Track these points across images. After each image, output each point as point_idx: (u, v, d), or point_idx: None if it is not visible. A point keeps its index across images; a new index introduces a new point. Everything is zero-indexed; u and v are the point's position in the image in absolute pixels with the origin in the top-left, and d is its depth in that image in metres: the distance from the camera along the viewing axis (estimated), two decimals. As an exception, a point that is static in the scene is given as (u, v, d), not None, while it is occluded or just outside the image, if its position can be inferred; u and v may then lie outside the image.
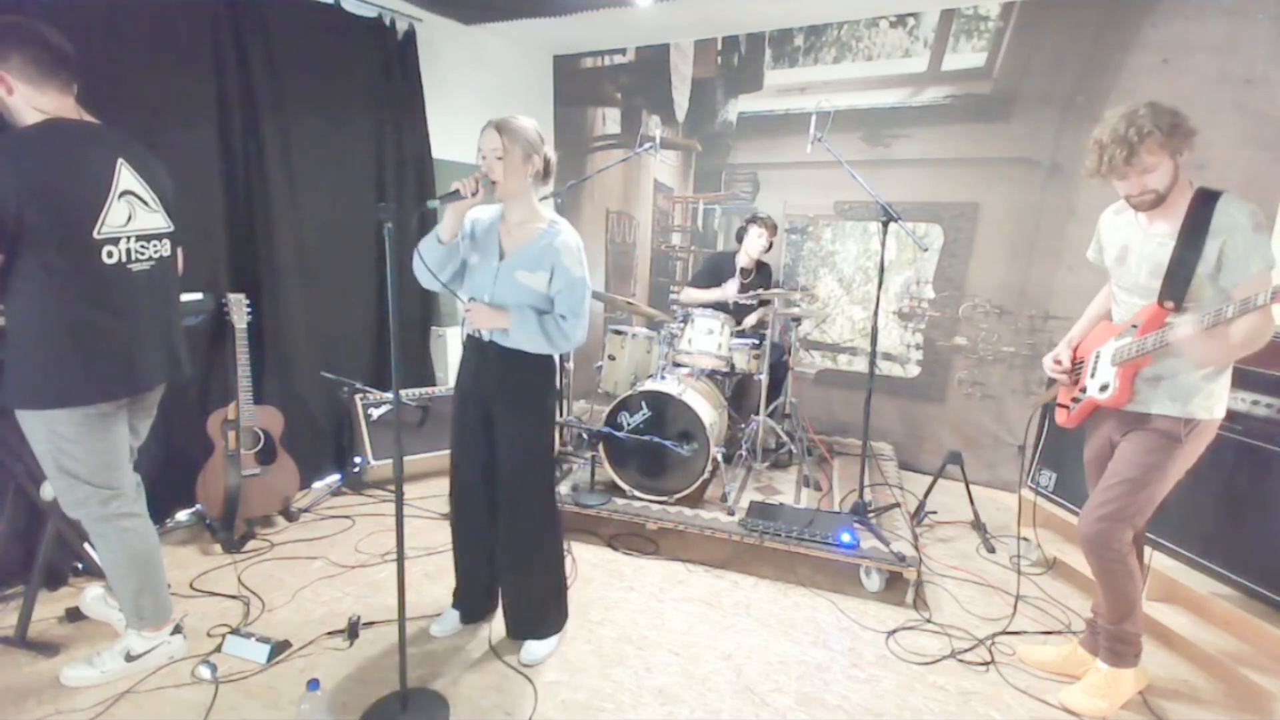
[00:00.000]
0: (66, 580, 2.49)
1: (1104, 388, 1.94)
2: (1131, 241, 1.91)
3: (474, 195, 1.84)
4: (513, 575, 2.21)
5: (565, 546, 2.89)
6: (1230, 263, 1.70)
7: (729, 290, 3.73)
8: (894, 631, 2.40)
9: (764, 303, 3.70)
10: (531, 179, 1.97)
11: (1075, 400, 2.08)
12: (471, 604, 2.33)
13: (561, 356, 3.80)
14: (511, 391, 2.05)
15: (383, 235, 1.68)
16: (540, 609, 2.22)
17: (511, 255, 1.99)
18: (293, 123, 3.19)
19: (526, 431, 2.08)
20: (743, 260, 3.88)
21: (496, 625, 2.34)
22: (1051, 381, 2.22)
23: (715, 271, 3.92)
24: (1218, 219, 1.71)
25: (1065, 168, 3.55)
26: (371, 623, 2.33)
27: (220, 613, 2.38)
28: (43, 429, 1.81)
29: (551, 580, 2.24)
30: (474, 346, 2.06)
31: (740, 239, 3.87)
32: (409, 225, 3.77)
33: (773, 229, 3.81)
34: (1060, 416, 2.15)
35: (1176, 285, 1.77)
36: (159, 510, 2.49)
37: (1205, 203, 1.74)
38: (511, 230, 2.01)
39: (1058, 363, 2.13)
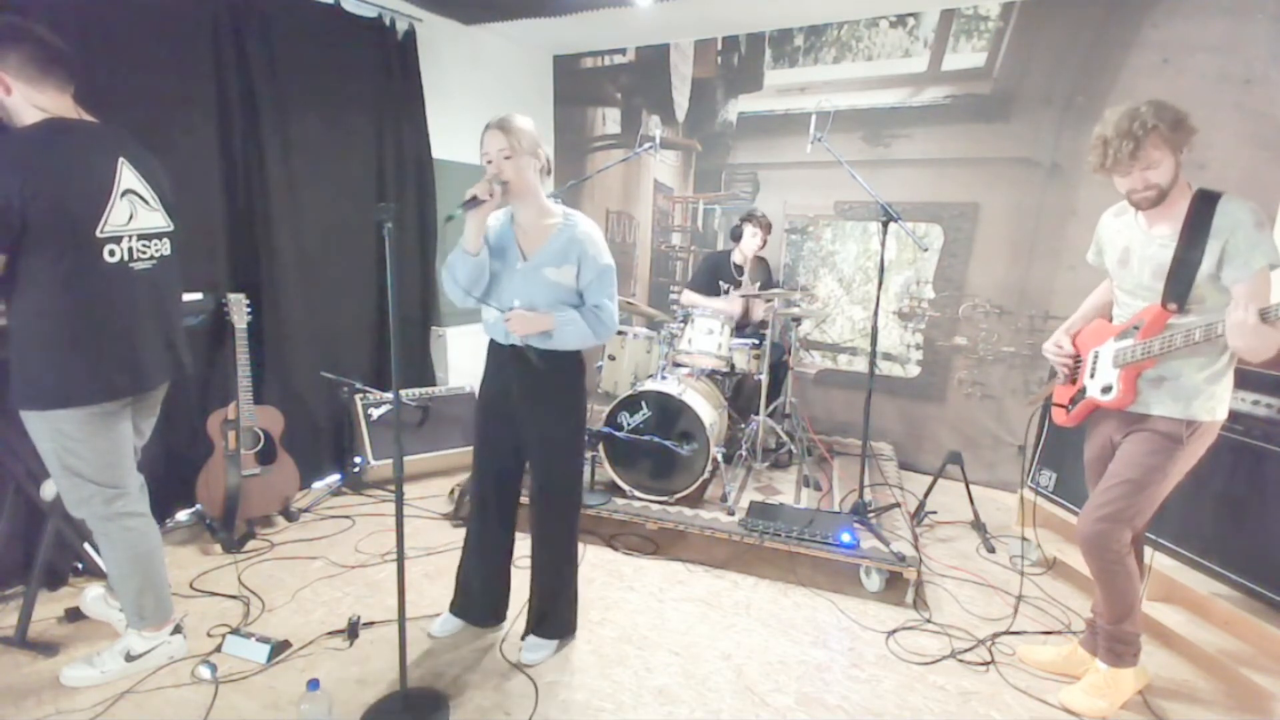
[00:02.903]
0: (66, 580, 2.48)
1: (1106, 389, 1.94)
2: (1132, 243, 1.91)
3: (491, 198, 1.84)
4: (543, 575, 2.21)
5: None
6: (1231, 259, 1.70)
7: (731, 305, 3.68)
8: (894, 631, 2.40)
9: (765, 300, 3.69)
10: (538, 176, 1.97)
11: (1074, 400, 2.08)
12: (483, 609, 2.32)
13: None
14: (547, 394, 2.04)
15: (383, 235, 1.67)
16: (564, 607, 2.25)
17: (535, 255, 1.98)
18: (293, 123, 3.19)
19: (563, 432, 2.08)
20: (738, 259, 3.89)
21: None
22: (1052, 375, 2.21)
23: (713, 271, 3.92)
24: (1219, 220, 1.71)
25: (1065, 168, 3.55)
26: (371, 623, 2.33)
27: (220, 613, 2.38)
28: (47, 428, 1.81)
29: (570, 580, 2.25)
30: (504, 353, 2.03)
31: (736, 238, 3.88)
32: (408, 226, 3.78)
33: (767, 227, 3.82)
34: (1058, 416, 2.15)
35: (1180, 287, 1.77)
36: (159, 510, 2.49)
37: (1206, 204, 1.74)
38: (527, 230, 2.00)
39: (1059, 347, 2.12)
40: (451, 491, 3.24)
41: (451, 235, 2.00)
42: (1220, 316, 1.65)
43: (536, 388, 2.03)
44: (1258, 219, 1.69)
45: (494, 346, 2.08)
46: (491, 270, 1.99)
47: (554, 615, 2.24)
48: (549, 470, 2.11)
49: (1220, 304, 1.74)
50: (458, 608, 2.32)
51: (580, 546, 2.90)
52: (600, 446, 3.11)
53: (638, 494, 3.08)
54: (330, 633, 2.28)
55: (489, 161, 1.90)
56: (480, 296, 1.98)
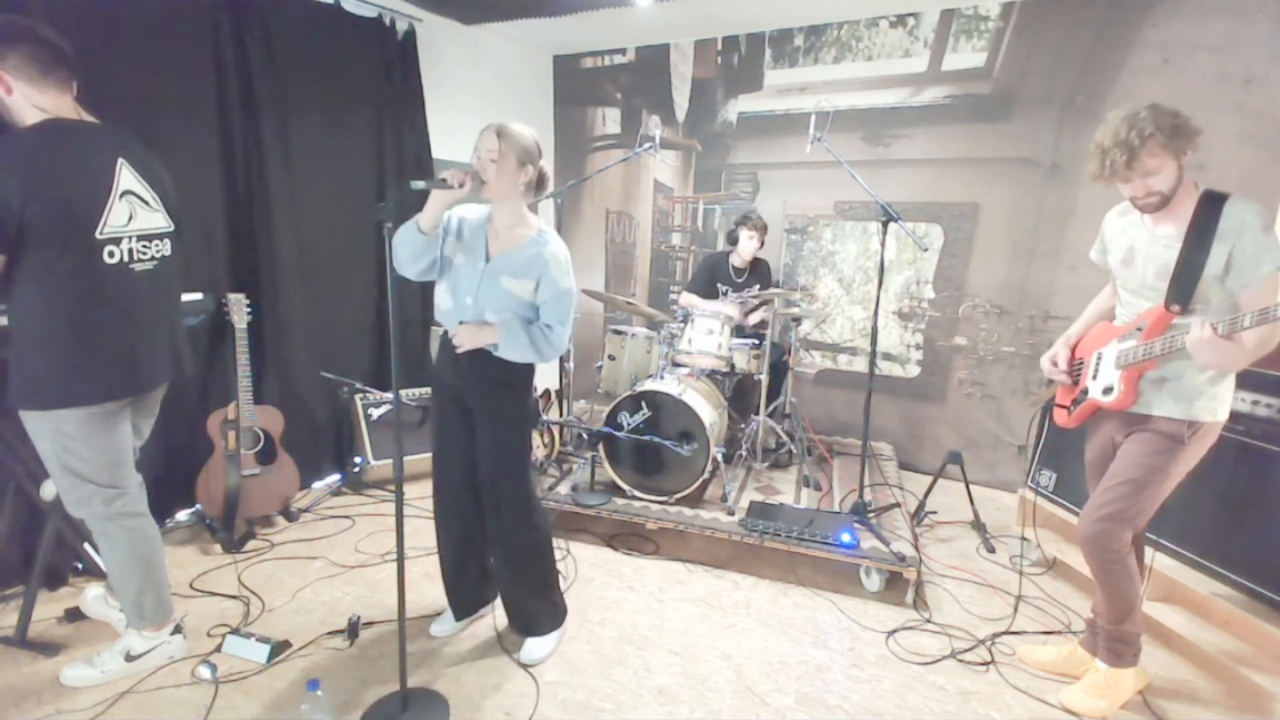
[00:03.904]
0: (66, 580, 2.48)
1: (1107, 390, 1.94)
2: (1137, 243, 1.90)
3: (460, 188, 1.83)
4: (504, 573, 2.21)
5: (564, 547, 2.90)
6: (1239, 264, 1.69)
7: (730, 310, 3.68)
8: (894, 631, 2.40)
9: (764, 302, 3.70)
10: (523, 187, 1.97)
11: (1076, 401, 2.08)
12: (465, 598, 2.32)
13: (562, 357, 3.80)
14: (490, 392, 2.05)
15: (382, 235, 1.67)
16: (532, 606, 2.22)
17: (497, 259, 1.98)
18: (293, 123, 3.19)
19: (503, 431, 2.08)
20: (736, 261, 3.89)
21: (496, 621, 2.34)
22: (1050, 380, 2.22)
23: (711, 272, 3.93)
24: (1225, 222, 1.70)
25: (1065, 168, 3.55)
26: (371, 623, 2.33)
27: (220, 613, 2.38)
28: (47, 428, 1.81)
29: (540, 577, 2.23)
30: (452, 347, 2.04)
31: (732, 242, 3.88)
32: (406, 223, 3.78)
33: (762, 229, 3.82)
34: (1060, 417, 2.15)
35: (1183, 288, 1.76)
36: (159, 510, 2.50)
37: (1212, 205, 1.73)
38: (499, 234, 2.01)
39: (1055, 364, 2.13)
40: (451, 491, 3.24)
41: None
42: (1221, 316, 1.65)
43: (481, 383, 2.03)
44: (1265, 222, 1.68)
45: (444, 337, 2.07)
46: (455, 263, 2.01)
47: (531, 612, 2.22)
48: (498, 466, 2.09)
49: (1225, 305, 1.74)
50: (449, 601, 2.32)
51: (578, 546, 2.93)
52: (600, 446, 3.11)
53: (638, 494, 3.08)
54: (330, 633, 2.28)
55: (477, 158, 1.91)
56: (422, 271, 1.99)
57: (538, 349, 1.97)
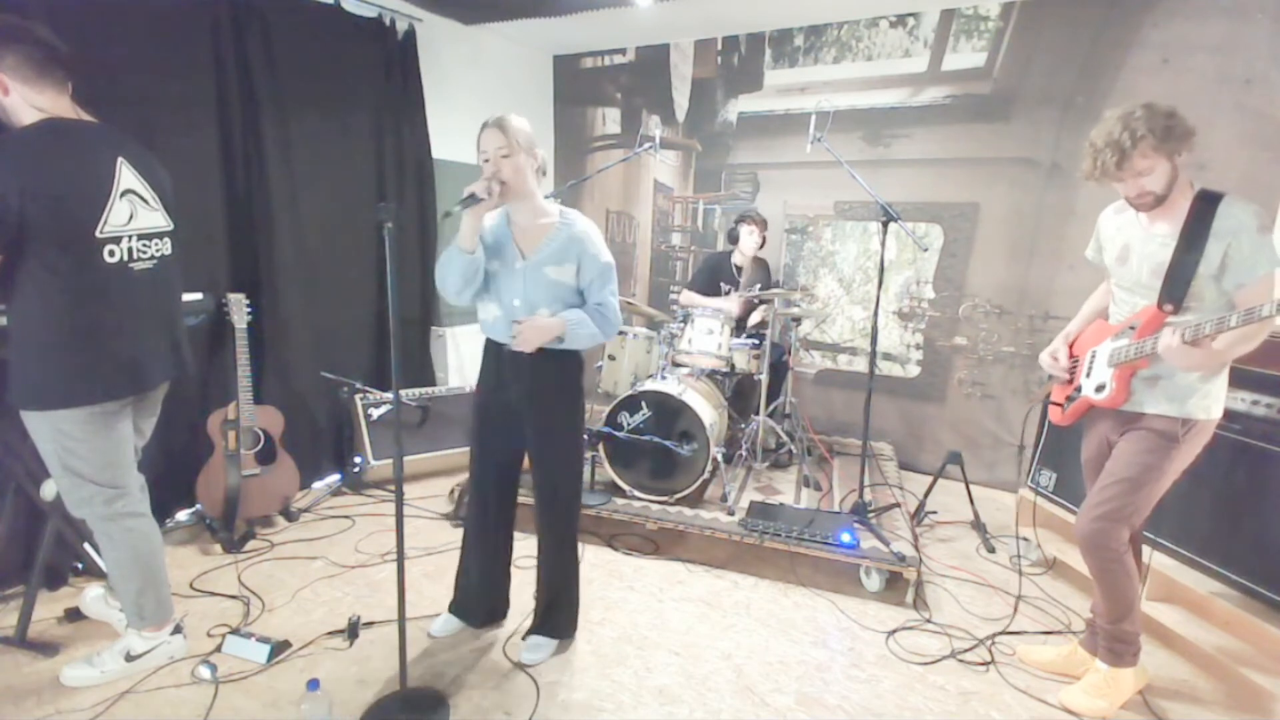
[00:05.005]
0: (66, 580, 2.48)
1: (1100, 388, 1.94)
2: (1133, 241, 1.91)
3: (490, 196, 1.83)
4: (554, 565, 2.21)
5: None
6: (1235, 264, 1.70)
7: (731, 305, 3.69)
8: (894, 631, 2.40)
9: (764, 301, 3.70)
10: (536, 175, 1.97)
11: (1069, 399, 2.08)
12: (482, 609, 2.32)
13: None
14: (550, 393, 2.04)
15: (383, 235, 1.67)
16: (566, 601, 2.25)
17: (534, 253, 1.97)
18: (293, 123, 3.19)
19: (567, 430, 2.10)
20: (738, 259, 3.89)
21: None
22: (1051, 377, 2.22)
23: (713, 272, 3.93)
24: (1221, 221, 1.70)
25: (1065, 168, 3.55)
26: (371, 623, 2.33)
27: (220, 613, 2.38)
28: (48, 428, 1.81)
29: (576, 573, 2.27)
30: (504, 353, 2.01)
31: (734, 240, 3.88)
32: (408, 226, 3.78)
33: (763, 224, 3.83)
34: (1054, 415, 2.15)
35: (1176, 287, 1.77)
36: (159, 510, 2.50)
37: (1207, 205, 1.73)
38: (524, 230, 2.00)
39: (1055, 359, 2.13)
40: (451, 491, 3.24)
41: (450, 233, 1.99)
42: (1213, 315, 1.66)
43: (539, 387, 2.03)
44: (1261, 222, 1.68)
45: (492, 346, 2.07)
46: (489, 270, 1.99)
47: (560, 613, 2.25)
48: (555, 468, 2.11)
49: (1220, 303, 1.75)
50: (456, 607, 2.32)
51: (580, 546, 2.92)
52: (600, 446, 3.10)
53: (638, 494, 3.07)
54: (330, 633, 2.28)
55: (486, 160, 1.89)
56: (473, 298, 1.98)
57: (602, 329, 1.99)
